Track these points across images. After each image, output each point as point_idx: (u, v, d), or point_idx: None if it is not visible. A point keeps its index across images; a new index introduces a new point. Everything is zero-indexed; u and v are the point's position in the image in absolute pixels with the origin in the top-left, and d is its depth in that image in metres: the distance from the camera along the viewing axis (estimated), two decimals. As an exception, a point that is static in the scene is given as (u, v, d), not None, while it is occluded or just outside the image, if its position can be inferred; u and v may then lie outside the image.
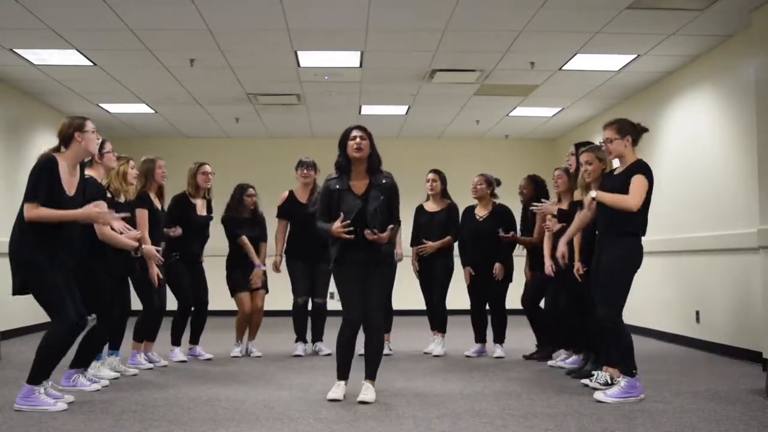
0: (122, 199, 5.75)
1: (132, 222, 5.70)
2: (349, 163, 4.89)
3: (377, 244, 4.79)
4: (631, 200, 4.79)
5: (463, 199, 7.41)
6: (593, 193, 4.93)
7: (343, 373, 4.92)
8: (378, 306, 4.90)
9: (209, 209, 6.94)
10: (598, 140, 5.52)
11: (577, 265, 5.62)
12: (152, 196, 6.28)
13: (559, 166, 6.52)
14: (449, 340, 7.32)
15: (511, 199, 7.23)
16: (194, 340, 6.95)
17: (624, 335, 4.83)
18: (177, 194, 6.79)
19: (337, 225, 4.74)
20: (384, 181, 4.90)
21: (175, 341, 6.80)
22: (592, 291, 5.05)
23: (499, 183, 7.21)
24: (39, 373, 4.51)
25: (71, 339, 4.59)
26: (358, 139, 4.84)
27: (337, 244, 4.82)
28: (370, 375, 4.88)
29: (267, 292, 7.19)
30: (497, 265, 6.93)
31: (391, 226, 4.81)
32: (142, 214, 6.03)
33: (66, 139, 4.68)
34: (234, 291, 7.04)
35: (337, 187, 4.87)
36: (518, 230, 7.12)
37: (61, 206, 4.52)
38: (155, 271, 6.02)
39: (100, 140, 5.10)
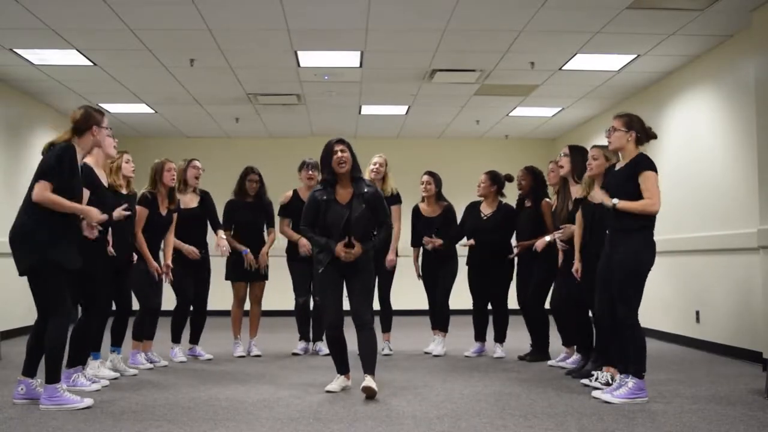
0: (124, 191, 5.78)
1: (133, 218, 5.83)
2: (334, 177, 5.14)
3: (360, 255, 5.06)
4: (652, 204, 4.73)
5: (463, 199, 7.41)
6: (614, 201, 4.78)
7: (341, 368, 5.15)
8: (364, 304, 5.09)
9: (204, 202, 6.84)
10: (597, 140, 5.50)
11: (577, 265, 5.62)
12: (160, 199, 6.28)
13: (554, 159, 6.54)
14: (449, 340, 7.32)
15: (510, 198, 7.22)
16: (194, 339, 6.94)
17: (640, 335, 4.79)
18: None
19: (341, 246, 5.00)
20: (366, 190, 5.14)
21: (175, 338, 6.79)
22: (599, 291, 5.02)
23: (510, 179, 7.11)
24: (56, 370, 4.55)
25: (67, 329, 4.65)
26: (339, 153, 5.10)
27: (325, 256, 5.07)
28: (369, 371, 4.96)
29: (266, 279, 7.16)
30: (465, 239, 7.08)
31: (374, 235, 5.16)
32: (141, 212, 6.07)
33: (82, 129, 4.70)
34: (229, 277, 7.08)
35: (324, 197, 5.12)
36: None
37: (74, 194, 4.59)
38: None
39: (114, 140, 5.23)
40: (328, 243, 5.04)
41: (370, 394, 4.83)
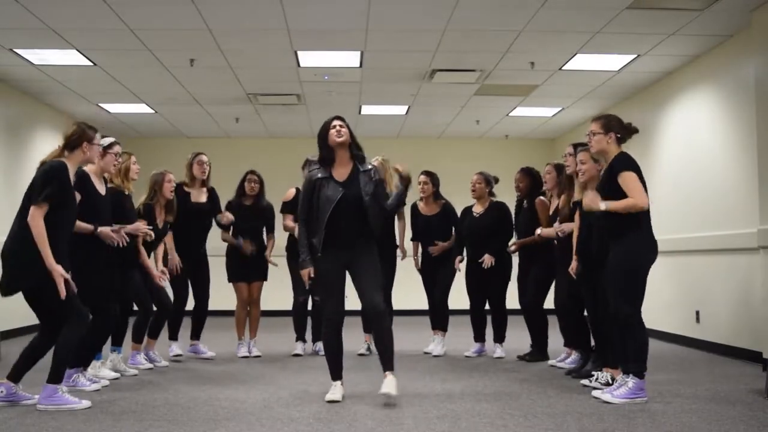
0: (126, 192, 5.78)
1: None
2: (331, 153, 4.90)
3: (360, 238, 4.79)
4: (637, 201, 4.69)
5: (463, 198, 7.40)
6: (603, 205, 4.75)
7: (336, 374, 4.91)
8: (375, 286, 4.78)
9: (212, 198, 6.92)
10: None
11: (574, 264, 5.61)
12: (158, 210, 6.31)
13: (551, 161, 6.56)
14: (449, 340, 7.32)
15: (510, 198, 7.22)
16: (195, 335, 6.95)
17: (641, 335, 4.75)
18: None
19: (307, 272, 4.82)
20: (370, 167, 4.95)
21: (172, 336, 6.82)
22: (606, 290, 5.01)
23: (497, 180, 7.22)
24: (60, 371, 4.56)
25: (82, 334, 4.65)
26: (338, 126, 4.89)
27: (319, 237, 4.79)
28: (388, 366, 4.75)
29: (265, 279, 7.19)
30: (486, 256, 6.90)
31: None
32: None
33: (73, 145, 4.69)
34: (231, 279, 7.10)
35: (319, 175, 4.88)
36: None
37: (69, 211, 4.59)
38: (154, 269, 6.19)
39: (110, 143, 5.26)
40: (303, 260, 4.82)
41: (389, 402, 4.63)
